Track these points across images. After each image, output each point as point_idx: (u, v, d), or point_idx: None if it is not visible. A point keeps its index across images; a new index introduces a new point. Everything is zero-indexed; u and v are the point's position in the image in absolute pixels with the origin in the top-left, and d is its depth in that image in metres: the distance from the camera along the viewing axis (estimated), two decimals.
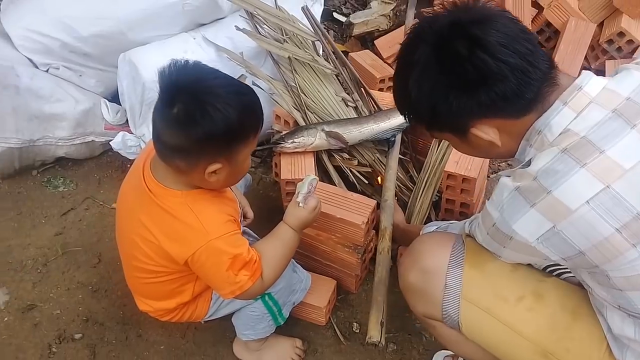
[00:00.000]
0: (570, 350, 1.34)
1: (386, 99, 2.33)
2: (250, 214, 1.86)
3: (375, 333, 1.62)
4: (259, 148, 2.06)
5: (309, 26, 2.40)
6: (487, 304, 1.39)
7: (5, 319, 1.97)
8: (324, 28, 2.50)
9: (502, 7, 2.64)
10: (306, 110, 2.24)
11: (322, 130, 2.11)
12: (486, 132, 1.24)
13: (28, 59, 2.32)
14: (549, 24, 2.88)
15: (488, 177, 2.30)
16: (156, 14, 2.30)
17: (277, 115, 2.28)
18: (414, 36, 1.26)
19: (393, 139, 2.20)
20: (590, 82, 1.20)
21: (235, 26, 2.35)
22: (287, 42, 2.36)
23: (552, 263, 1.38)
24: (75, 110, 2.35)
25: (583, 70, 1.24)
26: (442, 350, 1.84)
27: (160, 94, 1.38)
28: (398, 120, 2.16)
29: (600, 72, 2.75)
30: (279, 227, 1.62)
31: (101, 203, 2.33)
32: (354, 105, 2.30)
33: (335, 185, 2.12)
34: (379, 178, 2.22)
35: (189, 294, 1.64)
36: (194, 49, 2.32)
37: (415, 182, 2.20)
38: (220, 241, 1.45)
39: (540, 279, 1.40)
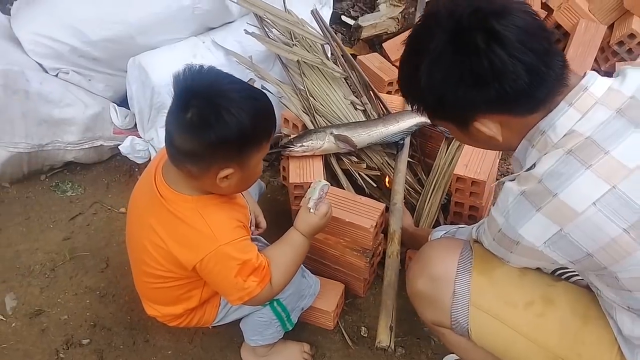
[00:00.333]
0: (582, 355, 1.32)
1: (395, 102, 2.32)
2: (264, 223, 1.84)
3: (384, 337, 1.61)
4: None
5: (318, 29, 2.39)
6: (497, 310, 1.38)
7: (13, 324, 1.97)
8: (333, 31, 2.49)
9: None
10: (315, 113, 2.24)
11: (331, 133, 2.10)
12: (489, 127, 1.23)
13: (38, 63, 2.33)
14: (558, 26, 2.86)
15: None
16: (166, 18, 2.31)
17: (285, 118, 2.28)
18: (431, 21, 1.22)
19: (402, 142, 2.19)
20: (596, 83, 1.19)
21: (245, 30, 2.35)
22: (296, 45, 2.36)
23: (560, 266, 1.36)
24: (85, 115, 2.36)
25: (588, 71, 1.22)
26: (451, 354, 1.82)
27: (174, 99, 1.38)
28: (407, 123, 2.15)
29: (610, 74, 2.71)
30: (289, 233, 1.61)
31: (109, 207, 2.33)
32: (362, 108, 2.30)
33: (344, 189, 2.11)
34: (386, 179, 2.20)
35: (196, 300, 1.63)
36: (203, 53, 2.33)
37: (424, 185, 2.19)
38: (229, 247, 1.44)
39: (550, 284, 1.39)
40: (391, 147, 2.22)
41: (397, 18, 2.96)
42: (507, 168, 2.53)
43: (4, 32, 2.37)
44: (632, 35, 2.71)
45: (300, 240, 1.59)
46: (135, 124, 2.46)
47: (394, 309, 1.68)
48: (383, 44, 2.90)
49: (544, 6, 2.87)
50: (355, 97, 2.32)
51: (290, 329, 1.80)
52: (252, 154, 1.42)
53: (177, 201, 1.46)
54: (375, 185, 2.19)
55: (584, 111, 1.16)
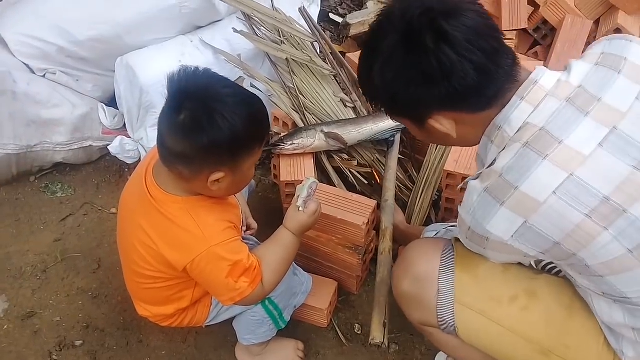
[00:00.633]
0: (569, 346, 1.34)
1: None
2: (254, 224, 1.85)
3: (378, 334, 1.61)
4: None
5: (306, 27, 2.39)
6: (481, 306, 1.39)
7: (5, 326, 1.96)
8: (321, 29, 2.49)
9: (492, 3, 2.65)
10: (305, 111, 2.24)
11: (321, 131, 2.10)
12: (443, 124, 1.25)
13: (24, 64, 2.31)
14: (545, 22, 2.87)
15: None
16: (153, 18, 2.30)
17: (275, 117, 2.28)
18: (385, 21, 1.24)
19: (392, 139, 2.19)
20: (545, 76, 1.21)
21: (233, 28, 2.34)
22: (284, 43, 2.36)
23: (541, 259, 1.38)
24: (73, 115, 2.34)
25: (537, 66, 1.25)
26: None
27: (168, 99, 1.37)
28: None
29: None
30: (279, 232, 1.61)
31: (100, 208, 2.32)
32: (352, 105, 2.30)
33: (335, 186, 2.11)
34: (376, 175, 2.21)
35: (187, 300, 1.63)
36: (192, 52, 2.32)
37: (415, 182, 2.20)
38: (220, 248, 1.44)
39: (532, 277, 1.40)
40: (382, 144, 2.23)
41: None
42: None
43: None
44: (617, 30, 2.72)
45: (290, 239, 1.59)
46: (125, 124, 2.44)
47: (387, 305, 1.69)
48: None
49: (531, 2, 2.88)
50: (345, 94, 2.32)
51: (283, 327, 1.80)
52: (244, 159, 1.42)
53: (167, 202, 1.46)
54: (366, 183, 2.19)
55: (536, 104, 1.19)
